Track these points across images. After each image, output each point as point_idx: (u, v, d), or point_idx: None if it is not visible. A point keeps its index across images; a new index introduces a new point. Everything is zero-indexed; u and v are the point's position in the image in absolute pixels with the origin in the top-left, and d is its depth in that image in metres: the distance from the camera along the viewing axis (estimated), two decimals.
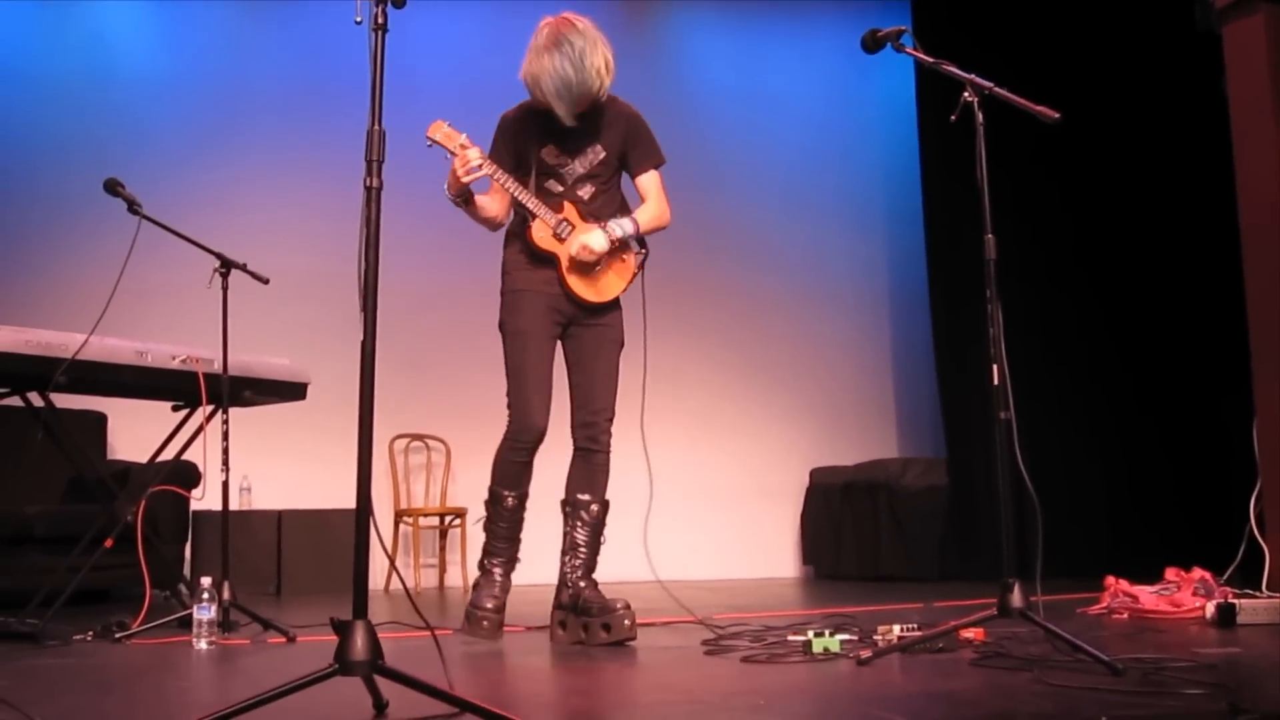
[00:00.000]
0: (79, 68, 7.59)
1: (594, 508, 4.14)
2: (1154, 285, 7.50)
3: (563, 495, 4.21)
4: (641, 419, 4.24)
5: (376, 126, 2.42)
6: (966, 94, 3.41)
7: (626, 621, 3.86)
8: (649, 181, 4.21)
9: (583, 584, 4.06)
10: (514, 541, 4.16)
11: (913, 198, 8.24)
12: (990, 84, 3.43)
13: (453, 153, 3.93)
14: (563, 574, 4.14)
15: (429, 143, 3.97)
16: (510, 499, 4.09)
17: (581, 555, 4.12)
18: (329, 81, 7.72)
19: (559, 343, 4.16)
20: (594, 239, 4.02)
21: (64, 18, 7.62)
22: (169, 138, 7.63)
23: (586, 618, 3.95)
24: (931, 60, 3.55)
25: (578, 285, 4.06)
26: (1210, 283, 6.80)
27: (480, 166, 3.90)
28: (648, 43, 8.79)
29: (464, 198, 4.04)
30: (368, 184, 2.40)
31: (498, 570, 4.12)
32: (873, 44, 3.62)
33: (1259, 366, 4.63)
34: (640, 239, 4.22)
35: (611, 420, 4.17)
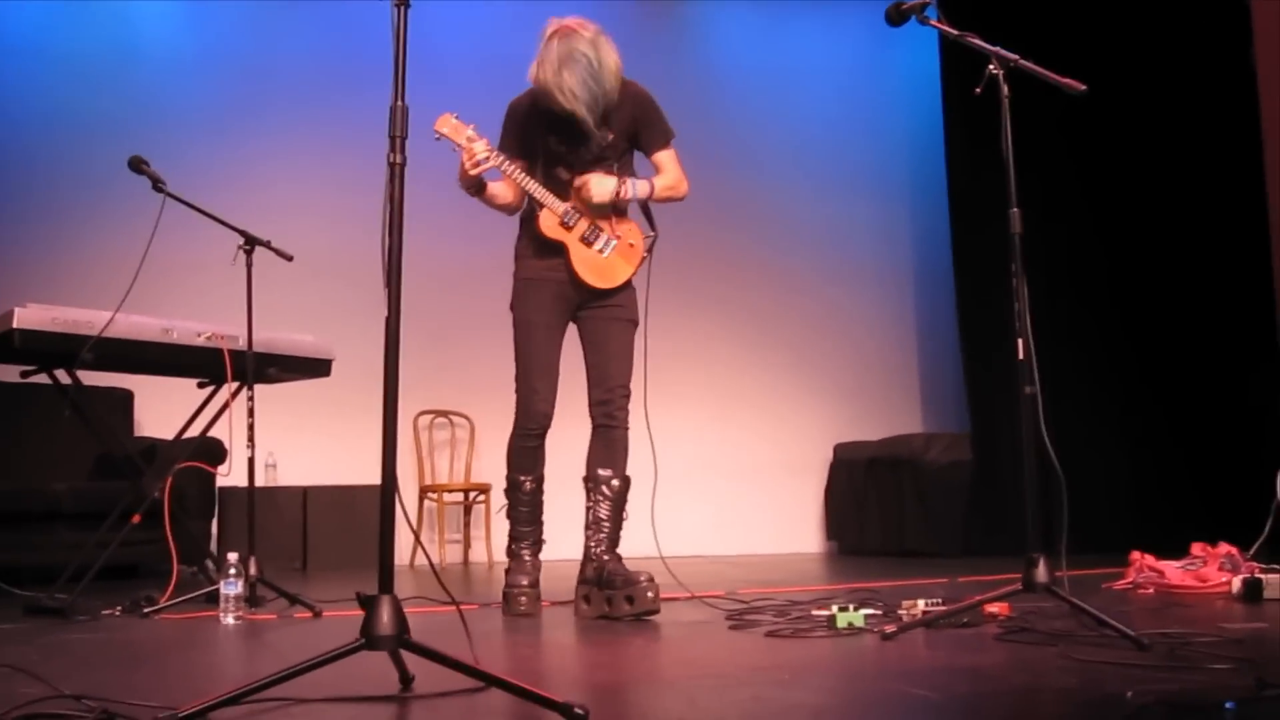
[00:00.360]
0: (104, 47, 7.61)
1: (615, 483, 4.18)
2: (1180, 260, 7.44)
3: (584, 473, 4.25)
4: (645, 397, 4.24)
5: (399, 102, 2.41)
6: (992, 66, 3.39)
7: (650, 594, 3.88)
8: (664, 158, 4.26)
9: (606, 557, 4.12)
10: (537, 524, 4.28)
11: (937, 172, 8.20)
12: (1015, 56, 3.40)
13: (460, 146, 3.97)
14: (587, 549, 4.19)
15: (437, 136, 3.99)
16: (528, 483, 4.22)
17: (605, 529, 4.17)
18: (352, 58, 7.71)
19: (574, 325, 4.25)
20: (605, 183, 4.08)
21: None
22: (193, 115, 7.64)
23: (610, 590, 4.00)
24: (956, 33, 3.53)
25: (585, 272, 4.12)
26: (1236, 258, 6.76)
27: (487, 159, 3.97)
28: (671, 18, 8.76)
29: (476, 188, 4.12)
30: (391, 160, 2.39)
31: (526, 553, 4.24)
32: (897, 17, 3.59)
33: None
34: (650, 221, 4.28)
35: (628, 397, 4.21)
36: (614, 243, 4.16)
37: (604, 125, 4.13)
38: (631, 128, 4.20)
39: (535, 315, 4.15)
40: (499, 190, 4.20)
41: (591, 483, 4.22)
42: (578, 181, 4.09)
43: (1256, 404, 5.68)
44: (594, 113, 4.02)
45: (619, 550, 4.18)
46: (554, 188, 4.12)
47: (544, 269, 4.15)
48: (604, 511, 4.18)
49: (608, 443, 4.20)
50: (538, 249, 4.16)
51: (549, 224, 4.09)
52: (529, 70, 4.10)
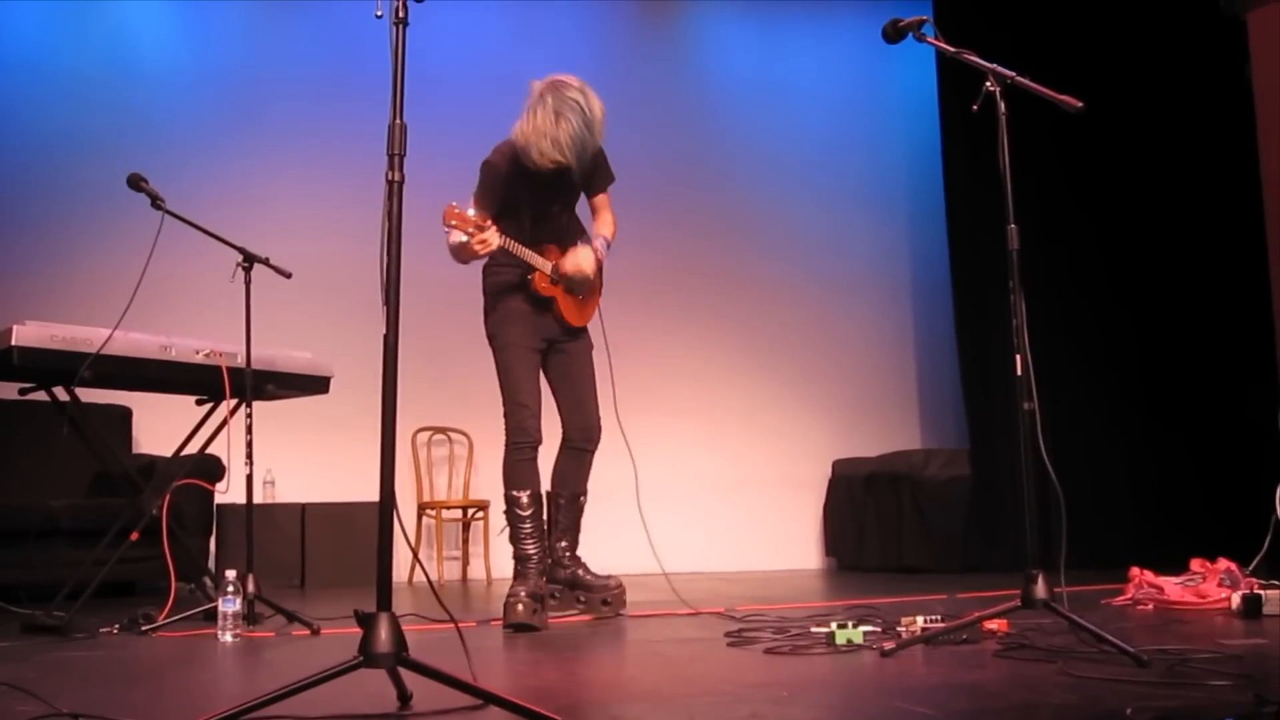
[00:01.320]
0: (101, 64, 7.63)
1: (582, 499, 4.65)
2: (1177, 275, 7.47)
3: (547, 488, 4.61)
4: (616, 410, 4.58)
5: (398, 120, 2.42)
6: (989, 84, 3.40)
7: (622, 597, 4.54)
8: (603, 200, 4.71)
9: (574, 563, 4.60)
10: (540, 542, 4.45)
11: (935, 188, 8.22)
12: (1012, 73, 3.41)
13: (470, 234, 4.18)
14: (556, 553, 4.59)
15: (446, 228, 4.20)
16: (524, 497, 4.41)
17: (569, 538, 4.62)
18: (350, 76, 7.74)
19: (544, 355, 4.59)
20: (586, 260, 4.51)
21: (86, 14, 7.66)
22: (191, 132, 7.65)
23: (586, 593, 4.54)
24: (953, 50, 3.54)
25: (572, 317, 4.56)
26: (1234, 273, 6.77)
27: (495, 245, 4.23)
28: (668, 33, 8.78)
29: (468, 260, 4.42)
30: (389, 178, 2.40)
31: (532, 572, 4.39)
32: (894, 34, 3.60)
33: None
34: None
35: (600, 421, 4.63)
36: (587, 286, 4.59)
37: (571, 181, 4.49)
38: (587, 172, 4.52)
39: (519, 339, 4.46)
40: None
41: (562, 497, 4.61)
42: (566, 268, 4.48)
43: (1255, 420, 5.67)
44: (582, 163, 4.34)
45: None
46: (539, 238, 4.48)
47: (521, 306, 4.49)
48: (568, 521, 4.61)
49: (580, 464, 4.61)
50: (513, 288, 4.50)
51: (542, 284, 4.47)
52: (514, 128, 4.31)
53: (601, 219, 4.69)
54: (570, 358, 4.60)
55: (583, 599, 4.56)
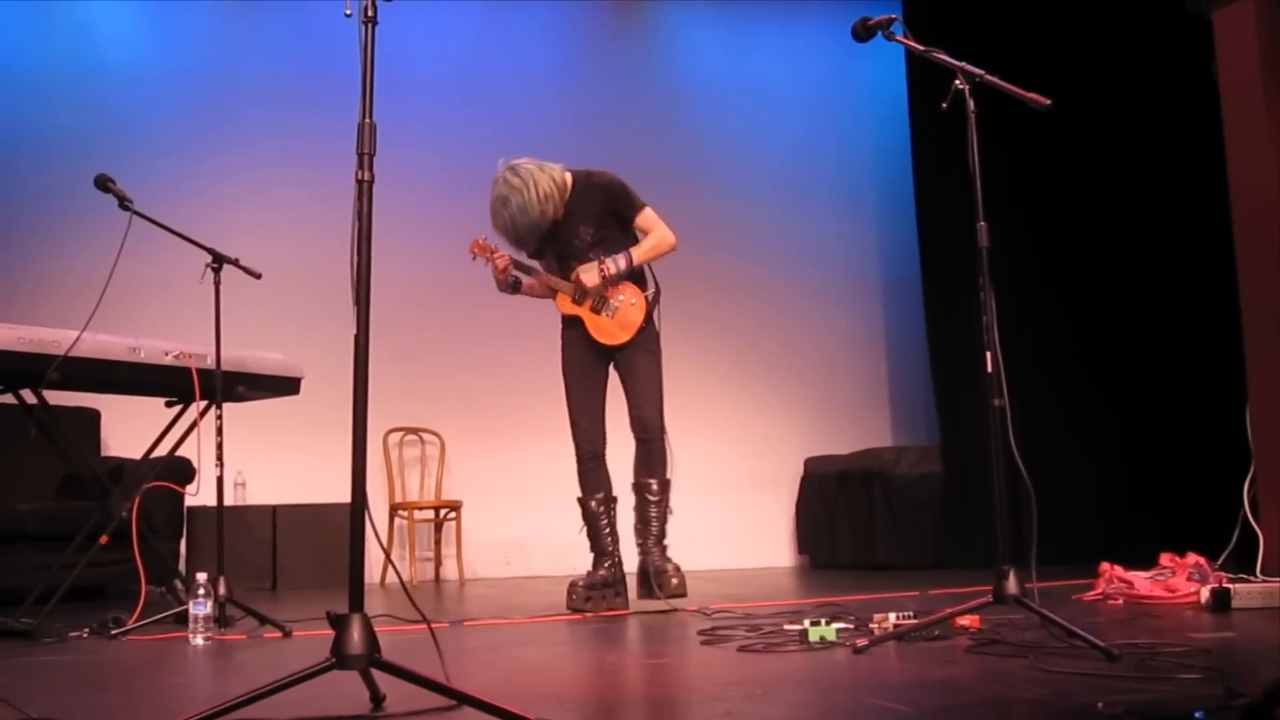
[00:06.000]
0: (67, 63, 7.56)
1: (654, 486, 4.92)
2: (1145, 271, 7.52)
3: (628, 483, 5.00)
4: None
5: (367, 120, 2.41)
6: (958, 81, 3.41)
7: (675, 580, 4.80)
8: (643, 222, 5.01)
9: (654, 550, 4.90)
10: (604, 540, 4.95)
11: (905, 186, 8.25)
12: (981, 71, 3.43)
13: (490, 261, 4.90)
14: (638, 545, 4.92)
15: (472, 257, 4.94)
16: (592, 502, 4.94)
17: (651, 528, 4.93)
18: (319, 75, 7.70)
19: (612, 367, 5.05)
20: (587, 273, 4.91)
21: (51, 13, 7.59)
22: (159, 133, 7.61)
23: (657, 578, 4.86)
24: (922, 48, 3.55)
25: (598, 334, 4.96)
26: (1201, 268, 6.82)
27: (507, 266, 4.90)
28: (638, 32, 8.78)
29: (512, 288, 5.03)
30: (359, 177, 2.39)
31: (602, 571, 4.92)
32: (863, 32, 3.61)
33: (1252, 352, 4.64)
34: (652, 278, 5.06)
35: (658, 412, 4.95)
36: (616, 306, 4.94)
37: (574, 226, 4.94)
38: (606, 211, 4.96)
39: (572, 366, 5.01)
40: (530, 285, 5.07)
41: (636, 489, 4.93)
42: (573, 276, 4.95)
43: (1223, 415, 5.71)
44: (534, 237, 4.90)
45: (666, 543, 4.94)
46: (565, 274, 4.97)
47: (572, 336, 5.03)
48: (651, 512, 4.92)
49: (646, 454, 4.94)
50: (565, 321, 5.04)
51: (564, 304, 4.97)
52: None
53: (638, 244, 5.02)
54: (624, 362, 5.00)
55: (650, 585, 4.86)
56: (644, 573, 4.87)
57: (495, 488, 7.75)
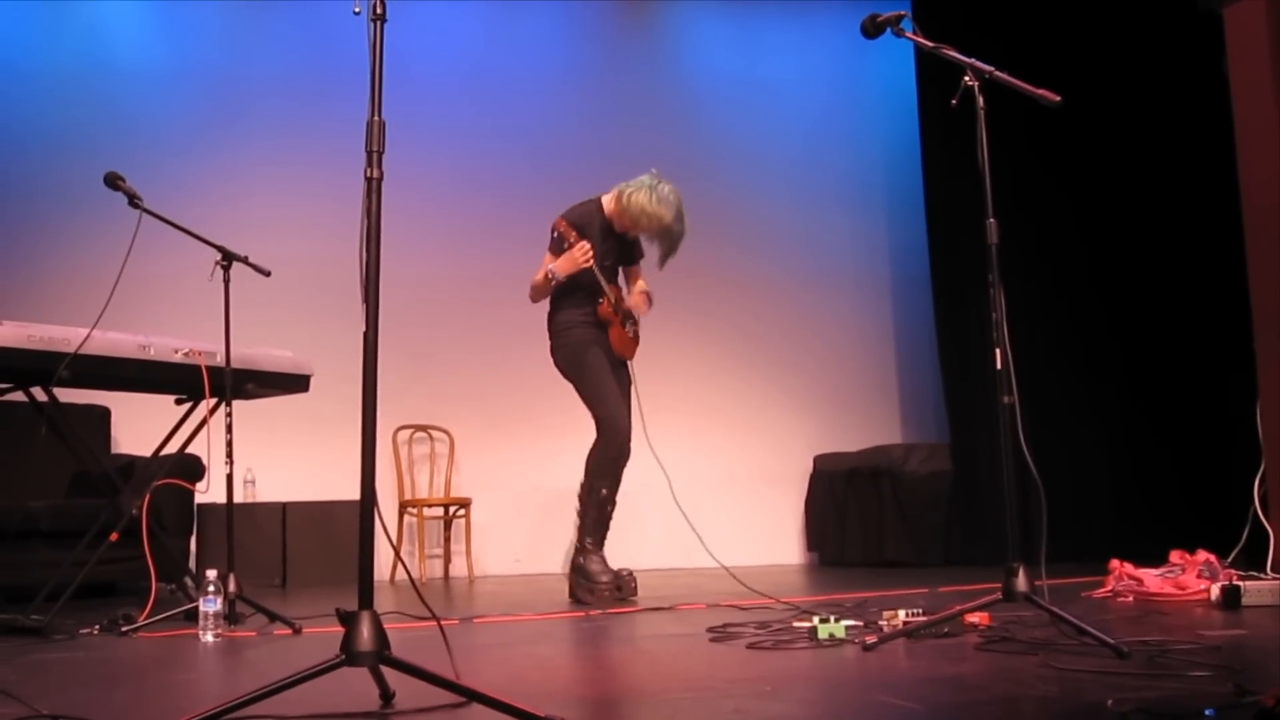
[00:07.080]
0: (77, 61, 7.58)
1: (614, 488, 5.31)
2: (1155, 269, 7.49)
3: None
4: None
5: (376, 117, 2.41)
6: (967, 78, 3.40)
7: (631, 584, 5.18)
8: (638, 269, 5.66)
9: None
10: (606, 528, 5.30)
11: (914, 182, 8.23)
12: (990, 68, 3.42)
13: (572, 244, 5.17)
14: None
15: (553, 233, 5.24)
16: (604, 490, 5.23)
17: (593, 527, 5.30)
18: (328, 72, 7.72)
19: None
20: (640, 301, 5.55)
21: (61, 12, 7.61)
22: (169, 130, 7.62)
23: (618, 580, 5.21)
24: (931, 45, 3.55)
25: (620, 346, 5.42)
26: (1211, 266, 6.80)
27: (590, 259, 5.19)
28: (648, 30, 8.78)
29: (557, 281, 5.29)
30: (368, 175, 2.39)
31: (599, 551, 5.22)
32: (873, 29, 3.61)
33: (1262, 350, 4.62)
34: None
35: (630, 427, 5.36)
36: (633, 329, 5.51)
37: (622, 234, 5.43)
38: (632, 239, 5.51)
39: (599, 360, 5.33)
40: (561, 281, 5.33)
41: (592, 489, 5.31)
42: (628, 303, 5.52)
43: (1234, 412, 5.69)
44: (675, 248, 5.42)
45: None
46: (608, 279, 5.39)
47: (594, 336, 5.37)
48: (609, 510, 5.30)
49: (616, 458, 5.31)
50: (587, 321, 5.38)
51: (606, 310, 5.36)
52: (627, 195, 5.26)
53: (643, 285, 5.65)
54: (621, 379, 5.44)
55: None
56: (575, 570, 5.25)
57: (504, 485, 7.76)
